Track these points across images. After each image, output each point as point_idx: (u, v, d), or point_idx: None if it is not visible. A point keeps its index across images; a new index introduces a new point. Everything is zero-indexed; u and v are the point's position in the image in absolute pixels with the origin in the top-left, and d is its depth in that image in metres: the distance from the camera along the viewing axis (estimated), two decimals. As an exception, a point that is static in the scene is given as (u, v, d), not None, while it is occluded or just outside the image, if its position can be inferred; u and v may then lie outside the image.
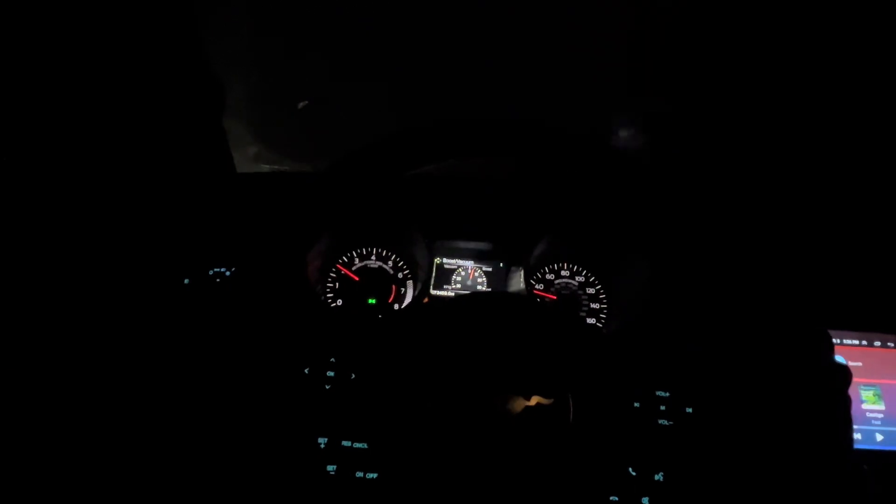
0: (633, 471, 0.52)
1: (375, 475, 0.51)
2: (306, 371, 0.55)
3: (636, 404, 0.55)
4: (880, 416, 0.84)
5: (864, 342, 0.88)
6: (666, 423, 0.53)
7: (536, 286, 0.93)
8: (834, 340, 0.87)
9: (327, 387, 0.54)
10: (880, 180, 0.90)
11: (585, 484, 0.51)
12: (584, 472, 0.51)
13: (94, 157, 0.82)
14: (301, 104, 0.76)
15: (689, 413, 0.53)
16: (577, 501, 0.51)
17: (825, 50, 0.73)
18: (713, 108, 0.80)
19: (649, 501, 0.51)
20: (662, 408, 0.54)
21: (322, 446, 0.52)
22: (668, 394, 0.54)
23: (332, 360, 0.55)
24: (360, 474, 0.51)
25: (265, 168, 0.86)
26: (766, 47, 0.84)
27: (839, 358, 0.87)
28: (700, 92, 0.78)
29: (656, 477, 0.52)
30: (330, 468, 0.51)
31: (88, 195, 0.81)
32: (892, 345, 0.88)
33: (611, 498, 0.51)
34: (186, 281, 0.84)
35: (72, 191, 0.80)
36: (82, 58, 0.71)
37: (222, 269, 0.84)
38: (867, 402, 0.85)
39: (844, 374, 0.50)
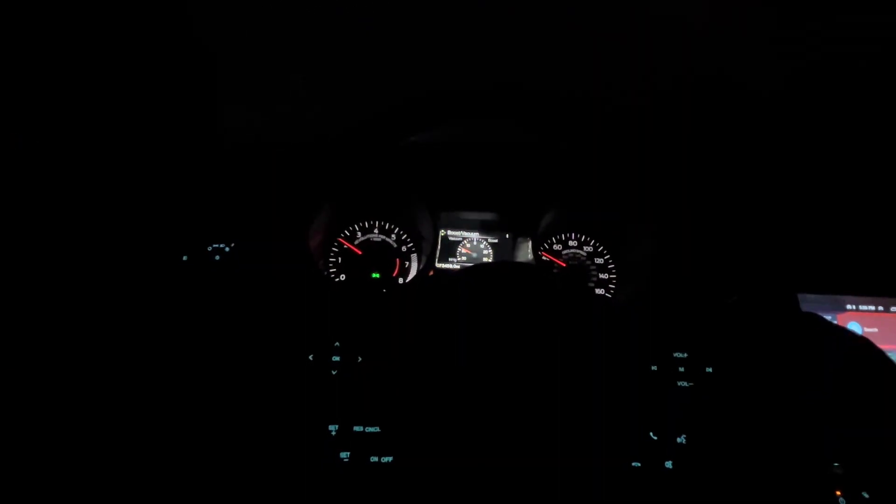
0: (654, 435, 0.50)
1: (391, 458, 0.49)
2: (311, 358, 0.53)
3: (654, 367, 0.53)
4: None
5: (881, 307, 0.86)
6: (686, 384, 0.51)
7: (544, 257, 0.91)
8: (850, 306, 0.87)
9: (333, 372, 0.52)
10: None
11: (606, 453, 0.49)
12: (604, 441, 0.49)
13: (88, 136, 0.79)
14: (296, 78, 0.73)
15: (709, 373, 0.51)
16: (598, 470, 0.49)
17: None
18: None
19: (672, 465, 0.49)
20: (681, 369, 0.52)
21: (333, 434, 0.50)
22: (686, 355, 0.52)
23: (337, 344, 0.53)
24: (374, 459, 0.49)
25: (262, 140, 0.83)
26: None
27: (855, 328, 0.85)
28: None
29: (679, 440, 0.50)
30: (343, 455, 0.49)
31: (85, 174, 0.79)
32: (908, 310, 0.86)
33: (633, 464, 0.50)
34: (185, 258, 0.82)
35: (68, 170, 0.78)
36: (70, 35, 0.68)
37: (221, 245, 0.82)
38: (883, 368, 0.84)
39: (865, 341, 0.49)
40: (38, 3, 0.63)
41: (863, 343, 0.49)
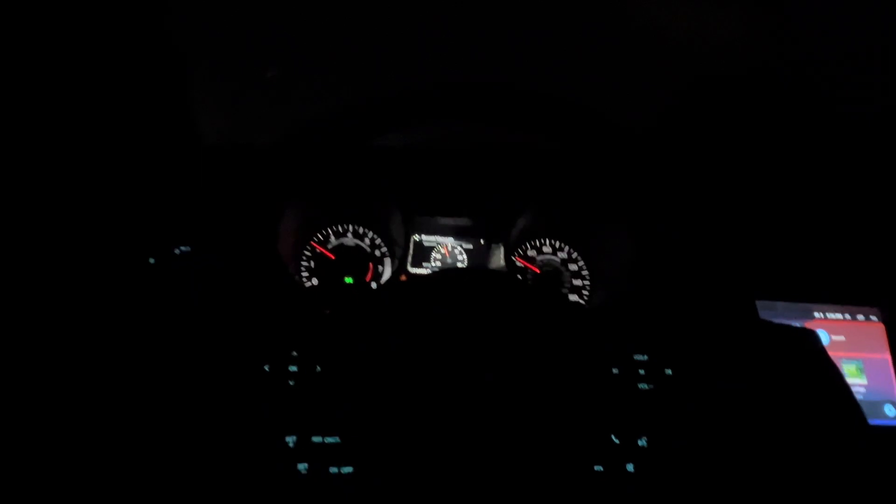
0: (616, 438, 0.50)
1: (350, 469, 0.48)
2: (266, 368, 0.51)
3: (615, 370, 0.53)
4: (862, 389, 0.84)
5: (847, 315, 0.87)
6: (646, 387, 0.52)
7: (518, 262, 0.91)
8: (816, 314, 0.88)
9: (291, 382, 0.51)
10: (863, 161, 0.90)
11: (568, 456, 0.49)
12: (566, 445, 0.49)
13: (54, 138, 0.78)
14: (270, 73, 0.72)
15: (668, 375, 0.51)
16: (560, 475, 0.48)
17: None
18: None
19: (634, 468, 0.49)
20: (642, 372, 0.52)
21: (291, 445, 0.48)
22: (646, 357, 0.52)
23: (294, 353, 0.52)
24: (334, 470, 0.48)
25: (232, 142, 0.82)
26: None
27: (822, 336, 0.86)
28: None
29: (640, 443, 0.50)
30: (301, 467, 0.48)
31: (51, 175, 0.78)
32: (875, 318, 0.88)
33: (595, 467, 0.49)
34: (152, 260, 0.80)
35: (34, 171, 0.77)
36: (40, 32, 0.68)
37: (188, 248, 0.81)
38: (849, 375, 0.85)
39: (814, 337, 0.50)
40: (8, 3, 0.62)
41: (806, 339, 0.50)
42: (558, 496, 0.48)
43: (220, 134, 0.84)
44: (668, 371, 0.52)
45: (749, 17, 0.67)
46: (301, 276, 0.88)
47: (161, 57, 0.78)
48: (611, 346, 0.53)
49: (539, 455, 0.48)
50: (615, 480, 0.49)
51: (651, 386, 0.51)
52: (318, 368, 0.52)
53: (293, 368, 0.52)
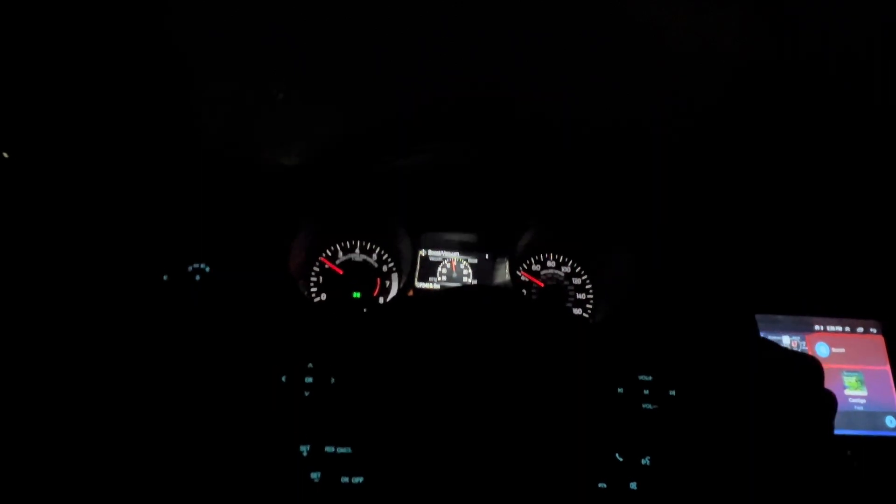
0: (619, 456, 0.52)
1: (361, 479, 0.50)
2: (283, 379, 0.54)
3: (620, 390, 0.54)
4: (863, 401, 0.85)
5: (848, 328, 0.89)
6: (650, 406, 0.53)
7: (523, 276, 0.93)
8: (818, 327, 0.90)
9: (306, 393, 0.53)
10: (863, 172, 0.91)
11: (573, 473, 0.51)
12: (570, 462, 0.51)
13: (68, 154, 0.80)
14: (280, 95, 0.74)
15: (672, 396, 0.53)
16: (565, 491, 0.50)
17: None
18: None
19: (637, 486, 0.51)
20: (646, 392, 0.54)
21: (304, 454, 0.50)
22: (651, 378, 0.54)
23: (310, 365, 0.54)
24: (345, 479, 0.50)
25: (247, 162, 0.84)
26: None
27: (823, 348, 0.88)
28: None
29: (643, 461, 0.51)
30: (314, 475, 0.50)
31: (65, 192, 0.79)
32: (875, 331, 0.89)
33: (599, 485, 0.51)
34: (165, 277, 0.82)
35: (48, 187, 0.78)
36: (50, 44, 0.69)
37: (202, 266, 0.83)
38: (850, 387, 0.86)
39: (817, 367, 0.51)
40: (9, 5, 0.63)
41: (808, 367, 0.51)
42: None
43: (231, 151, 0.85)
44: (672, 392, 0.53)
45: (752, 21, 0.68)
46: (310, 292, 0.89)
47: (170, 73, 0.80)
48: (617, 366, 0.54)
49: (544, 470, 0.50)
50: (618, 498, 0.51)
51: (655, 406, 0.53)
52: (333, 380, 0.53)
53: (309, 380, 0.53)
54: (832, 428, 0.49)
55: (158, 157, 0.85)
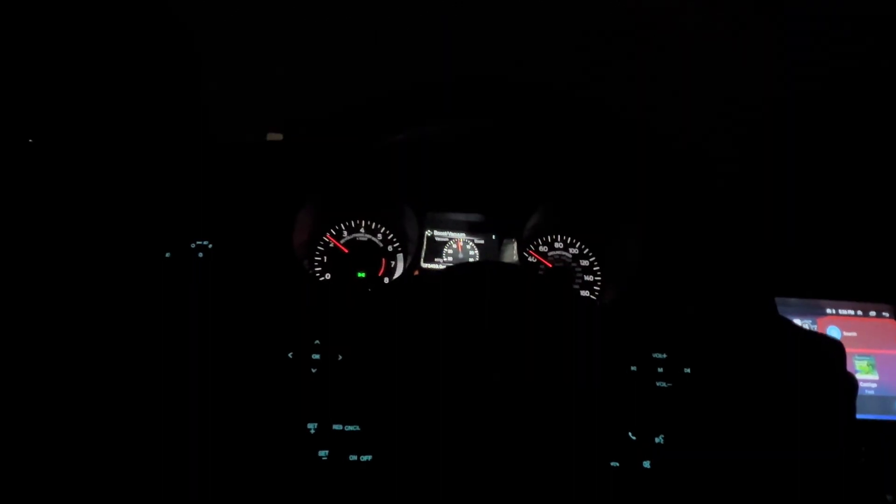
0: (633, 435, 0.51)
1: (370, 457, 0.49)
2: (290, 356, 0.52)
3: (633, 368, 0.53)
4: (874, 385, 0.84)
5: (860, 312, 0.87)
6: (664, 384, 0.52)
7: (530, 257, 0.92)
8: (829, 311, 0.88)
9: (313, 370, 0.52)
10: (875, 158, 0.89)
11: (585, 452, 0.50)
12: (582, 441, 0.50)
13: (70, 133, 0.78)
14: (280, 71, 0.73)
15: (687, 374, 0.52)
16: (576, 471, 0.49)
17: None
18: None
19: (650, 465, 0.50)
20: (660, 370, 0.52)
21: (312, 431, 0.49)
22: (665, 355, 0.53)
23: (317, 342, 0.53)
24: (353, 457, 0.49)
25: (247, 138, 0.82)
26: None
27: (835, 332, 0.86)
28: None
29: (657, 440, 0.50)
30: (322, 453, 0.49)
31: (67, 171, 0.78)
32: (887, 315, 0.88)
33: (612, 464, 0.50)
34: (168, 255, 0.81)
35: (50, 167, 0.77)
36: (57, 29, 0.68)
37: (204, 242, 0.81)
38: (861, 371, 0.85)
39: (838, 347, 0.50)
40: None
41: (831, 348, 0.50)
42: (574, 491, 0.49)
43: (233, 128, 0.84)
44: (687, 370, 0.52)
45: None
46: (315, 271, 0.88)
47: (174, 54, 0.78)
48: (631, 343, 0.53)
49: (555, 449, 0.49)
50: (631, 477, 0.50)
51: (669, 384, 0.52)
52: (340, 357, 0.52)
53: (316, 357, 0.52)
54: (854, 410, 0.48)
55: (161, 135, 0.83)
